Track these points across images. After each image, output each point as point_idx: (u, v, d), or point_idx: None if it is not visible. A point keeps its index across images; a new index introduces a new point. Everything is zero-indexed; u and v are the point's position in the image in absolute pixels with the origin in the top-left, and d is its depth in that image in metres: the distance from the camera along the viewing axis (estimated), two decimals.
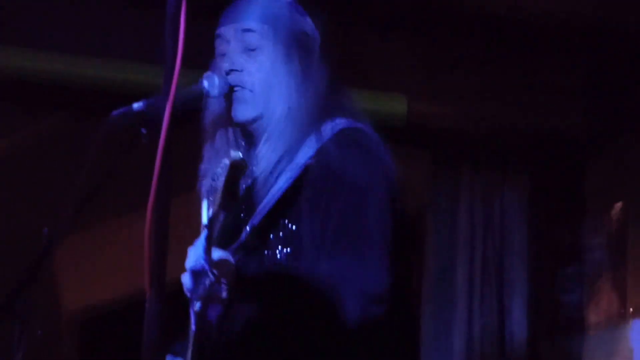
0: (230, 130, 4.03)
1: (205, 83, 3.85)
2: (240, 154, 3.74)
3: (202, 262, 3.55)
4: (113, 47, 6.41)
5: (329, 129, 3.91)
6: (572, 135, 7.22)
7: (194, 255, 3.60)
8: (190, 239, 3.61)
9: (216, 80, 3.85)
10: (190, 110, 3.81)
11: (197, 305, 3.64)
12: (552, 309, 7.27)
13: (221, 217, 3.83)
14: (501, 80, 7.01)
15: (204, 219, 3.60)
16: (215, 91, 3.84)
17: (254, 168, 3.94)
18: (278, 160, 3.90)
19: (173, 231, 3.10)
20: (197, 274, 3.58)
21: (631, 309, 6.96)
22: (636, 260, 6.91)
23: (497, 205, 7.32)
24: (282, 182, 3.87)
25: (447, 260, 7.24)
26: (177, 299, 3.57)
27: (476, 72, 6.97)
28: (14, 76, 6.63)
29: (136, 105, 3.57)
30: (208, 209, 3.64)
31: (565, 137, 7.28)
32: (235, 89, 3.87)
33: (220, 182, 3.73)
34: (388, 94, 6.69)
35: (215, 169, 3.85)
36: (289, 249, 3.81)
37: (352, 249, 3.76)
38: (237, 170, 3.72)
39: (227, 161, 3.72)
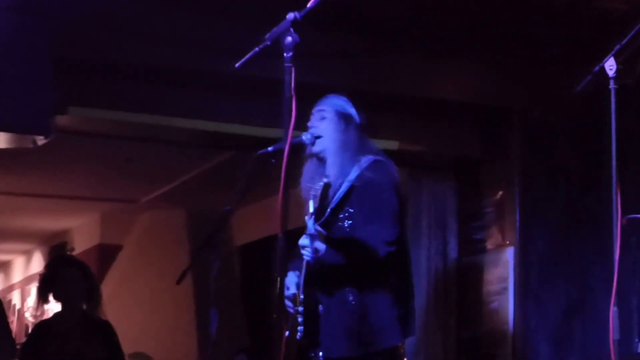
0: (315, 160, 4.50)
1: (304, 137, 4.42)
2: (326, 180, 4.34)
3: (314, 229, 4.14)
4: (260, 118, 6.61)
5: (364, 161, 4.40)
6: (473, 156, 7.59)
7: (309, 226, 4.17)
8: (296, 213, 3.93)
9: (309, 136, 4.43)
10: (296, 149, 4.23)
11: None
12: (469, 242, 7.63)
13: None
14: (434, 135, 7.43)
15: (311, 210, 4.16)
16: (307, 141, 4.42)
17: (328, 177, 4.42)
18: (338, 175, 4.38)
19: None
20: (311, 236, 4.14)
21: (507, 242, 7.27)
22: (510, 217, 7.22)
23: (439, 191, 7.76)
24: (343, 188, 4.34)
25: (417, 220, 7.71)
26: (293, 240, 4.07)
27: (426, 132, 7.41)
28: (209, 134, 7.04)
29: (270, 148, 4.02)
30: (313, 205, 4.19)
31: (469, 157, 7.63)
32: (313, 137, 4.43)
33: (318, 193, 4.31)
34: (388, 141, 7.08)
35: (313, 183, 4.43)
36: (350, 222, 4.30)
37: (379, 219, 4.27)
38: (327, 187, 4.34)
39: (322, 183, 4.37)
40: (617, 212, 3.47)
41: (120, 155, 9.25)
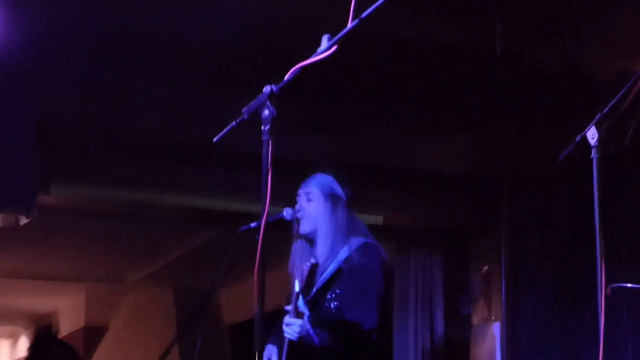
0: (303, 241, 4.52)
1: (284, 213, 4.44)
2: (314, 260, 4.36)
3: (302, 308, 4.16)
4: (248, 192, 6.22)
5: (354, 242, 4.40)
6: (461, 228, 7.62)
7: (294, 305, 4.15)
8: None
9: (290, 211, 4.45)
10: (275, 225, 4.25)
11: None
12: (456, 316, 7.61)
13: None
14: (420, 207, 7.45)
15: (297, 289, 4.18)
16: (288, 217, 4.44)
17: (316, 258, 4.42)
18: (327, 256, 4.38)
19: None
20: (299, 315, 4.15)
21: (494, 317, 7.27)
22: (497, 290, 7.20)
23: (426, 266, 7.68)
24: (331, 269, 4.34)
25: (404, 294, 7.65)
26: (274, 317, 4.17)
27: (412, 205, 7.43)
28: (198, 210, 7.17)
29: (253, 224, 4.06)
30: (299, 285, 4.22)
31: (457, 229, 7.66)
32: (301, 219, 4.48)
33: (305, 272, 4.33)
34: (374, 215, 7.13)
35: (300, 264, 4.45)
36: (336, 303, 4.28)
37: (364, 305, 4.26)
38: (315, 267, 4.34)
39: (309, 264, 4.35)
40: (601, 284, 3.44)
41: (105, 234, 9.16)
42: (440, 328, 7.62)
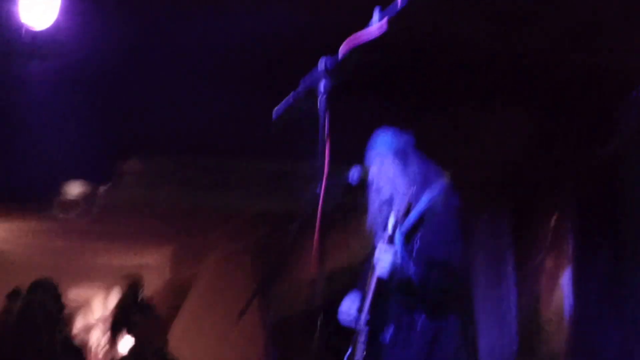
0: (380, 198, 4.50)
1: (350, 177, 4.43)
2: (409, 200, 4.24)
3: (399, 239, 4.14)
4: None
5: (435, 187, 4.33)
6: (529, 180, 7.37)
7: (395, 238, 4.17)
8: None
9: (356, 174, 4.44)
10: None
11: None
12: (525, 267, 7.46)
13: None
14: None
15: (392, 222, 4.17)
16: (354, 182, 4.42)
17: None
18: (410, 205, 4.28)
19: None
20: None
21: (565, 263, 7.08)
22: (563, 244, 7.15)
23: (496, 232, 7.60)
24: (414, 214, 4.28)
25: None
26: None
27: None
28: None
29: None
30: (395, 217, 4.18)
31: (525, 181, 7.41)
32: (378, 186, 4.48)
33: (403, 209, 4.21)
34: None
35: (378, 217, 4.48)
36: (419, 244, 4.27)
37: (449, 243, 4.38)
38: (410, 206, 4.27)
39: (405, 203, 4.27)
40: None
41: (185, 198, 9.19)
42: (512, 290, 7.54)
